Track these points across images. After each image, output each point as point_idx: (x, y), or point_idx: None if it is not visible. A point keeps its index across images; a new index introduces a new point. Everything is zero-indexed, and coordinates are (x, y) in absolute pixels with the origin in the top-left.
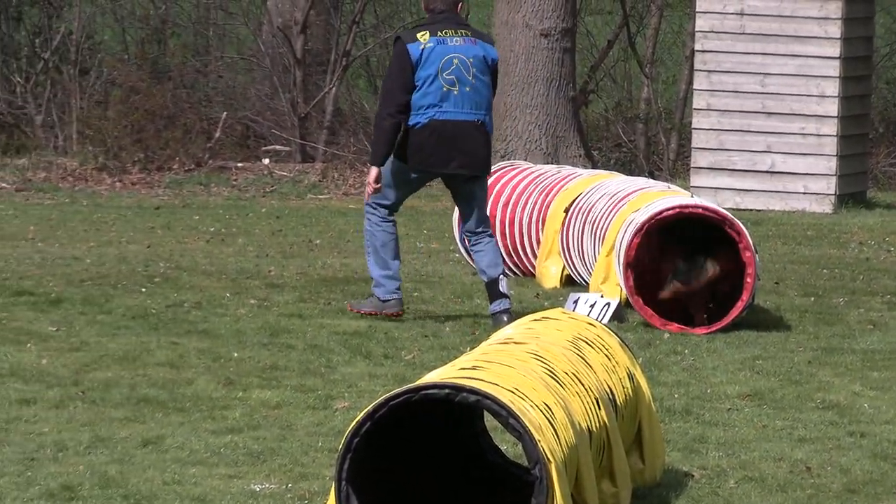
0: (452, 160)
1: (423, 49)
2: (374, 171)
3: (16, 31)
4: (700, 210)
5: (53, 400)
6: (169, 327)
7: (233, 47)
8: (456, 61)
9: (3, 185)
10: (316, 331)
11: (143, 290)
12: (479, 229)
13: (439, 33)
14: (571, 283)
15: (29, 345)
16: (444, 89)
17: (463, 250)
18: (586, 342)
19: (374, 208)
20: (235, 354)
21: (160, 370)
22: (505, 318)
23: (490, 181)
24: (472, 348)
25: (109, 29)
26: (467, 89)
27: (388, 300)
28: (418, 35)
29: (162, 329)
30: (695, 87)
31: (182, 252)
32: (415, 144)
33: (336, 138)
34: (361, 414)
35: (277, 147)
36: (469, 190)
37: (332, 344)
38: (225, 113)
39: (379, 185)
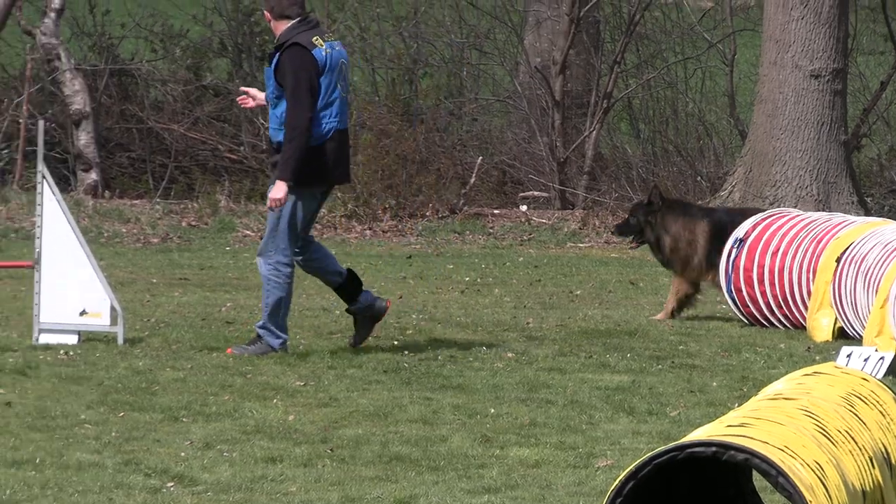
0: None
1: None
2: None
3: (260, 72)
4: None
5: (301, 458)
6: (422, 381)
7: (488, 88)
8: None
9: (248, 232)
10: (577, 385)
11: (395, 342)
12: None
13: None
14: (844, 336)
15: (275, 400)
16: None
17: (730, 301)
18: (860, 398)
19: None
20: (492, 410)
21: (413, 426)
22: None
23: (759, 229)
24: (739, 404)
25: (358, 69)
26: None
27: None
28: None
29: (415, 383)
30: None
31: (436, 303)
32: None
33: (597, 184)
34: (624, 473)
35: (535, 193)
36: None
37: (593, 399)
38: (480, 157)
39: None
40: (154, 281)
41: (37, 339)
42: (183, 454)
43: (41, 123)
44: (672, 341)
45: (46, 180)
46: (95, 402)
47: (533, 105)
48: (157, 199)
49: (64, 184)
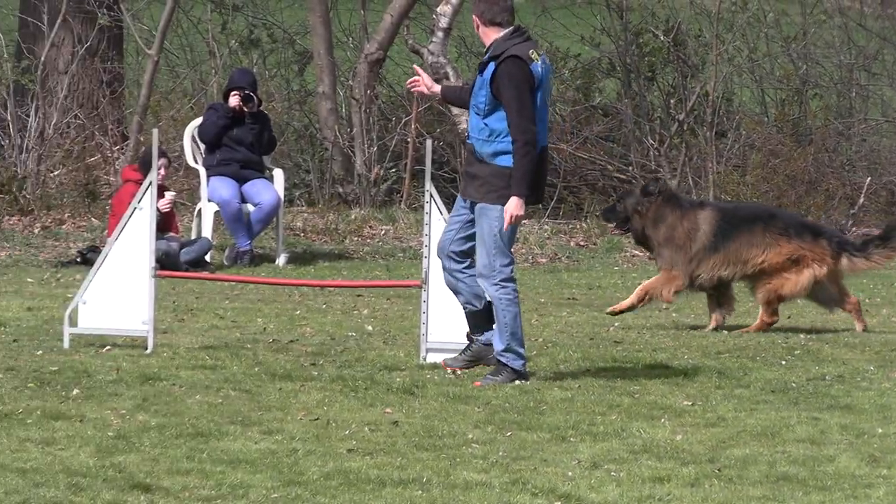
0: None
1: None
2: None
3: (649, 92)
4: None
5: (688, 478)
6: (810, 402)
7: (877, 109)
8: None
9: (636, 252)
10: None
11: (783, 362)
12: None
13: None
14: None
15: (663, 420)
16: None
17: None
18: None
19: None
20: (880, 430)
21: (800, 447)
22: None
23: None
24: None
25: (747, 89)
26: None
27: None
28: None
29: (802, 403)
30: None
31: (824, 322)
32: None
33: None
34: None
35: None
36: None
37: None
38: (869, 178)
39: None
40: (542, 301)
41: (424, 358)
42: (570, 473)
43: (429, 143)
44: None
45: (434, 200)
46: (483, 421)
47: None
48: (546, 219)
49: (451, 203)
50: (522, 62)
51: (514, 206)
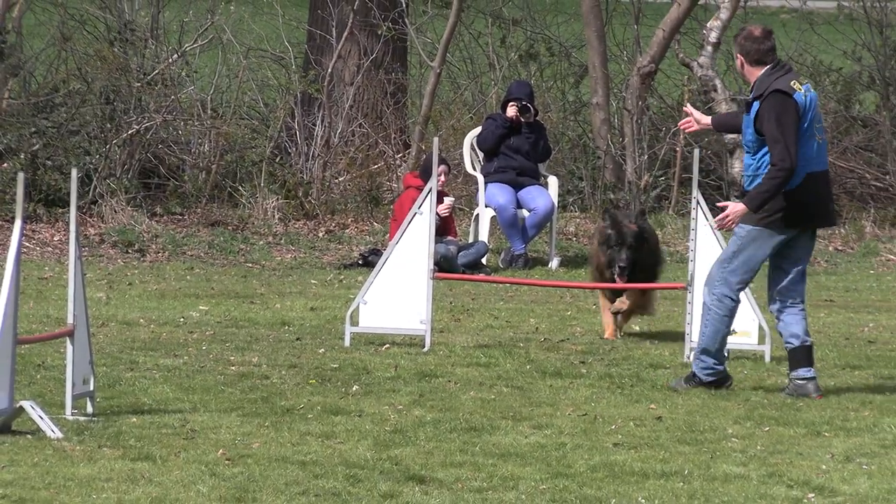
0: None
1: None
2: None
3: None
4: None
5: None
6: None
7: None
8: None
9: (891, 257)
10: None
11: None
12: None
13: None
14: None
15: None
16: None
17: None
18: None
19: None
20: None
21: None
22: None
23: None
24: None
25: None
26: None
27: None
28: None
29: None
30: None
31: None
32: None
33: None
34: None
35: None
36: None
37: None
38: None
39: None
40: None
41: (688, 357)
42: (824, 467)
43: (696, 151)
44: None
45: (701, 206)
46: (742, 417)
47: None
48: None
49: (716, 210)
50: (784, 95)
51: (734, 208)
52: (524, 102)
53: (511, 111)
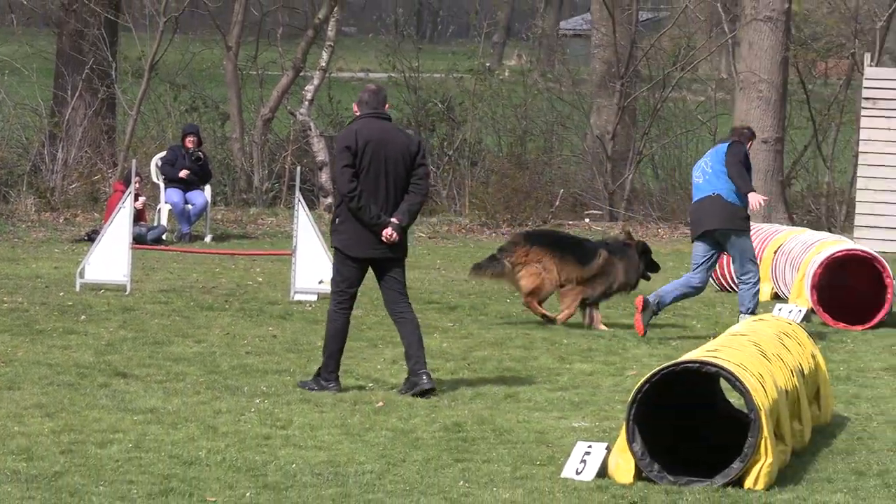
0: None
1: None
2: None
3: (431, 137)
4: (859, 251)
5: (448, 370)
6: (526, 325)
7: (567, 147)
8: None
9: (420, 234)
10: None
11: (507, 300)
12: None
13: None
14: (777, 298)
15: (435, 334)
16: None
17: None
18: (785, 334)
19: None
20: (565, 341)
21: (517, 351)
22: None
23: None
24: (713, 338)
25: (490, 136)
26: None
27: None
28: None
29: (520, 326)
30: (858, 175)
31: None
32: None
33: (632, 206)
34: (642, 379)
35: (595, 211)
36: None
37: (626, 334)
38: (561, 190)
39: None
40: None
41: (292, 297)
42: (379, 367)
43: (298, 168)
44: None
45: (301, 203)
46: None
47: (594, 158)
48: None
49: (311, 204)
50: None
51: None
52: (195, 135)
53: (189, 142)
